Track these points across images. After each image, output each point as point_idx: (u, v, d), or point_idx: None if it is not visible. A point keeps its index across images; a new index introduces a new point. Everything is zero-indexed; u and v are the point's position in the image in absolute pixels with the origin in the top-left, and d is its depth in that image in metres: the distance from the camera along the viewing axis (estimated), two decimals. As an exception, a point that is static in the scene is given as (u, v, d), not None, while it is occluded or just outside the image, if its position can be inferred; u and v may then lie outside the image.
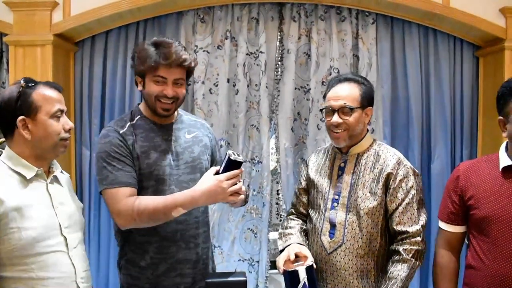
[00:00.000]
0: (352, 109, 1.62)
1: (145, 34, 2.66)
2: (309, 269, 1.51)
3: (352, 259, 1.61)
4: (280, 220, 2.89)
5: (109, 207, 1.55)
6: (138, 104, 1.72)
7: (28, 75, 1.61)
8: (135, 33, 2.66)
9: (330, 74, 2.60)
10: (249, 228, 2.69)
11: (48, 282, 1.34)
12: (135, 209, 1.49)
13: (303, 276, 1.49)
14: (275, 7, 2.68)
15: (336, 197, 1.67)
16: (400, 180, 1.61)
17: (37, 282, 1.33)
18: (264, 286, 2.64)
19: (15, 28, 2.47)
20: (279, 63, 2.72)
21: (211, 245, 1.86)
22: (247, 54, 2.65)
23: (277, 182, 2.85)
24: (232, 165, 1.49)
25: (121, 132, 1.60)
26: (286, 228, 1.78)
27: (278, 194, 2.88)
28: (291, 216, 1.84)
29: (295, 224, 1.79)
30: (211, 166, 1.73)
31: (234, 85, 2.66)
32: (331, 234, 1.65)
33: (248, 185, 2.66)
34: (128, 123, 1.63)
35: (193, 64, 1.61)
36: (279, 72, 2.71)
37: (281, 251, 1.68)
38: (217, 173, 1.51)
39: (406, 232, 1.58)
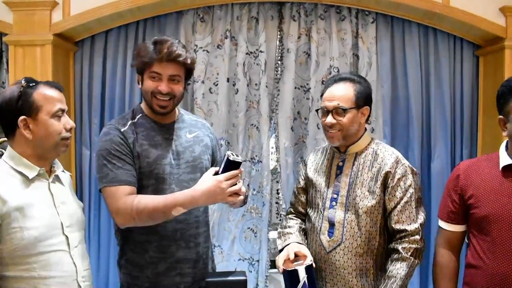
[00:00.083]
0: (345, 110, 1.63)
1: (144, 34, 2.66)
2: (308, 269, 1.51)
3: (351, 258, 1.62)
4: (280, 220, 2.89)
5: (108, 205, 1.55)
6: (140, 103, 1.72)
7: (28, 75, 1.61)
8: (135, 33, 2.67)
9: (330, 73, 2.60)
10: (249, 228, 2.69)
11: (50, 281, 1.35)
12: (134, 208, 1.49)
13: (302, 275, 1.49)
14: (275, 6, 2.68)
15: (335, 196, 1.68)
16: (399, 179, 1.61)
17: (39, 281, 1.33)
18: (264, 286, 2.64)
19: (15, 28, 2.47)
20: (279, 62, 2.72)
21: (211, 244, 1.86)
22: (247, 53, 2.65)
23: (277, 182, 2.85)
24: (231, 165, 1.49)
25: (122, 130, 1.60)
26: (285, 227, 1.78)
27: (278, 193, 2.88)
28: (290, 216, 1.85)
29: (294, 223, 1.79)
30: (211, 166, 1.73)
31: (234, 85, 2.66)
32: (330, 233, 1.66)
33: (248, 185, 2.66)
34: (130, 122, 1.64)
35: (188, 61, 1.60)
36: (279, 72, 2.71)
37: (280, 250, 1.68)
38: (216, 173, 1.51)
39: (405, 230, 1.58)
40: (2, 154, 1.45)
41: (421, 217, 1.61)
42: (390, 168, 1.62)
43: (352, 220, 1.63)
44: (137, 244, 1.64)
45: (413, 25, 2.65)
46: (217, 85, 2.66)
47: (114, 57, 2.67)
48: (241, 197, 1.55)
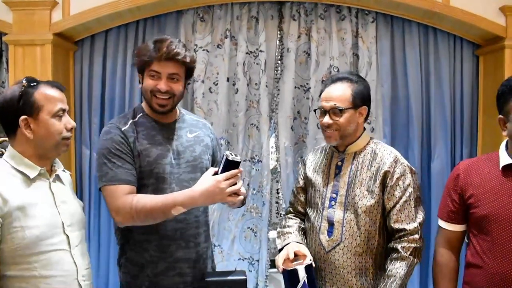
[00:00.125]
0: (342, 110, 1.63)
1: (144, 33, 2.66)
2: (308, 268, 1.52)
3: (351, 257, 1.62)
4: (280, 219, 2.89)
5: (108, 204, 1.55)
6: (141, 102, 1.72)
7: (27, 74, 1.61)
8: (135, 32, 2.66)
9: (330, 73, 2.60)
10: (249, 227, 2.69)
11: (51, 280, 1.35)
12: (133, 207, 1.49)
13: (302, 275, 1.49)
14: (275, 6, 2.68)
15: (334, 195, 1.68)
16: (397, 178, 1.61)
17: (40, 281, 1.33)
18: (264, 285, 2.64)
19: (15, 27, 2.47)
20: (279, 62, 2.71)
21: (211, 244, 1.86)
22: (246, 53, 2.65)
23: (277, 181, 2.85)
24: (230, 165, 1.49)
25: (123, 129, 1.60)
26: (285, 227, 1.79)
27: (278, 193, 2.88)
28: (289, 215, 1.85)
29: (293, 223, 1.79)
30: (212, 166, 1.73)
31: (234, 84, 2.66)
32: (329, 232, 1.66)
33: (248, 184, 2.66)
34: (130, 121, 1.64)
35: (188, 59, 1.60)
36: (279, 71, 2.71)
37: (280, 250, 1.68)
38: (216, 173, 1.51)
39: (404, 229, 1.58)
40: (2, 153, 1.45)
41: (420, 216, 1.62)
42: (389, 167, 1.62)
43: (351, 220, 1.63)
44: (137, 243, 1.64)
45: (413, 25, 2.65)
46: (217, 84, 2.66)
47: (114, 56, 2.67)
48: (241, 197, 1.55)
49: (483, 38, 2.60)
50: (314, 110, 1.77)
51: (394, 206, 1.60)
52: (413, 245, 1.56)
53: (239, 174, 1.51)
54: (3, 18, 2.50)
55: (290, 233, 1.73)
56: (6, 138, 1.84)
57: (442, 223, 1.64)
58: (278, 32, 2.70)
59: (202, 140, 1.74)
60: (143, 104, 1.70)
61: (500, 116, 1.48)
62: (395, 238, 1.60)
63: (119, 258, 1.72)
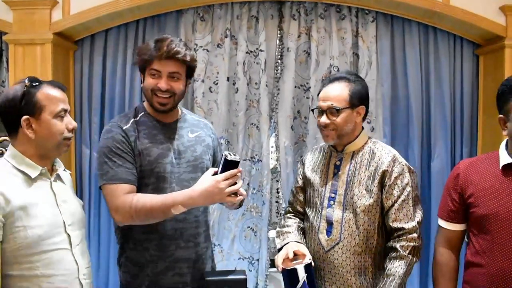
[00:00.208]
0: (338, 110, 1.63)
1: (144, 33, 2.66)
2: (307, 267, 1.52)
3: (350, 256, 1.62)
4: (280, 219, 2.89)
5: (108, 202, 1.56)
6: (143, 101, 1.73)
7: (27, 74, 1.61)
8: (135, 32, 2.67)
9: (330, 73, 2.60)
10: (249, 227, 2.69)
11: (53, 280, 1.35)
12: (133, 206, 1.50)
13: (302, 274, 1.49)
14: (275, 5, 2.68)
15: (333, 195, 1.68)
16: (396, 177, 1.61)
17: (42, 280, 1.34)
18: (264, 285, 2.64)
19: (15, 26, 2.48)
20: (279, 61, 2.72)
21: (211, 244, 1.86)
22: (247, 52, 2.65)
23: (277, 181, 2.85)
24: (229, 165, 1.48)
25: (124, 128, 1.61)
26: (284, 226, 1.79)
27: (278, 192, 2.88)
28: (288, 215, 1.85)
29: (293, 222, 1.79)
30: (212, 166, 1.74)
31: (234, 84, 2.66)
32: (328, 232, 1.66)
33: (248, 184, 2.66)
34: (132, 120, 1.65)
35: (188, 58, 1.60)
36: (279, 71, 2.71)
37: (279, 249, 1.68)
38: (215, 174, 1.51)
39: (402, 228, 1.58)
40: (2, 153, 1.46)
41: (419, 215, 1.62)
42: (387, 166, 1.62)
43: (350, 219, 1.63)
44: (137, 243, 1.64)
45: (413, 24, 2.65)
46: (217, 84, 2.66)
47: (114, 56, 2.67)
48: (240, 198, 1.54)
49: (483, 38, 2.60)
50: (312, 110, 1.77)
51: (393, 205, 1.60)
52: (412, 244, 1.56)
53: (238, 174, 1.50)
54: (3, 18, 2.50)
55: (290, 232, 1.74)
56: (7, 138, 1.84)
57: (442, 223, 1.64)
58: (278, 32, 2.70)
59: (203, 140, 1.74)
60: (145, 103, 1.70)
61: (500, 115, 1.48)
62: (394, 237, 1.60)
63: (119, 258, 1.72)
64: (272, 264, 2.61)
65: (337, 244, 1.63)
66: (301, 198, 1.82)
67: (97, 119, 2.67)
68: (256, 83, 2.67)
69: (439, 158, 2.63)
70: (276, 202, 2.90)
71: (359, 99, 1.67)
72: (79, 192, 2.65)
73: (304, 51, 2.68)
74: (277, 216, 2.92)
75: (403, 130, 2.67)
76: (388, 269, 1.56)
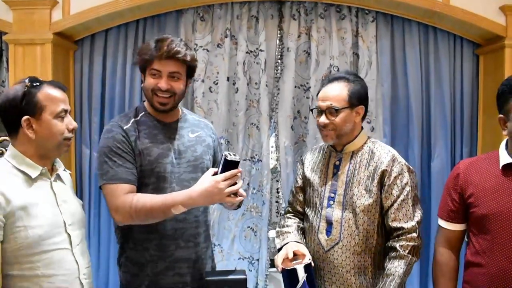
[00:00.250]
0: (337, 110, 1.63)
1: (144, 33, 2.66)
2: (307, 267, 1.52)
3: (349, 256, 1.62)
4: (279, 219, 2.89)
5: (108, 202, 1.56)
6: (144, 101, 1.73)
7: (27, 73, 1.61)
8: (135, 32, 2.67)
9: (330, 72, 2.60)
10: (249, 227, 2.69)
11: (54, 279, 1.36)
12: (132, 206, 1.50)
13: (302, 274, 1.49)
14: (275, 5, 2.68)
15: (332, 195, 1.68)
16: (395, 177, 1.61)
17: (43, 280, 1.34)
18: (264, 284, 2.64)
19: (15, 26, 2.48)
20: (279, 61, 2.71)
21: (211, 244, 1.86)
22: (247, 52, 2.65)
23: (277, 181, 2.85)
24: (229, 165, 1.49)
25: (124, 128, 1.61)
26: (283, 226, 1.79)
27: (278, 192, 2.88)
28: (288, 215, 1.85)
29: (292, 222, 1.79)
30: (213, 166, 1.74)
31: (234, 84, 2.66)
32: (328, 232, 1.66)
33: (248, 183, 2.66)
34: (132, 119, 1.65)
35: (188, 58, 1.60)
36: (279, 70, 2.71)
37: (279, 249, 1.68)
38: (215, 174, 1.51)
39: (402, 228, 1.58)
40: (2, 153, 1.46)
41: (418, 215, 1.62)
42: (387, 166, 1.62)
43: (349, 219, 1.63)
44: (137, 243, 1.64)
45: (413, 24, 2.65)
46: (217, 84, 2.66)
47: (114, 56, 2.67)
48: (240, 198, 1.54)
49: (483, 38, 2.60)
50: (311, 110, 1.77)
51: (392, 204, 1.60)
52: (411, 243, 1.57)
53: (238, 174, 1.50)
54: (3, 17, 2.50)
55: (289, 232, 1.74)
56: (7, 138, 1.84)
57: (442, 223, 1.64)
58: (278, 32, 2.70)
59: (203, 140, 1.74)
60: (145, 103, 1.71)
61: (500, 115, 1.48)
62: (393, 236, 1.60)
63: (119, 257, 1.72)
64: (272, 264, 2.61)
65: (337, 244, 1.63)
66: (301, 198, 1.82)
67: (97, 119, 2.67)
68: (256, 83, 2.67)
69: (439, 158, 2.63)
70: (276, 202, 2.90)
71: (358, 99, 1.67)
72: (79, 192, 2.65)
73: (304, 51, 2.68)
74: (277, 216, 2.92)
75: (403, 130, 2.67)
76: (387, 269, 1.56)
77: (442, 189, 1.69)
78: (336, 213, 1.66)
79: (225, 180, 1.47)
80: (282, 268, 1.55)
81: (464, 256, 1.59)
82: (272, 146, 2.81)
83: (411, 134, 2.64)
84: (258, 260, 2.67)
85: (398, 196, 1.60)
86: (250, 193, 2.66)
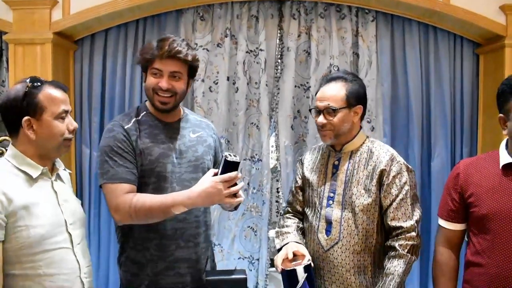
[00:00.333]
0: (335, 110, 1.64)
1: (144, 33, 2.66)
2: (307, 268, 1.52)
3: (349, 255, 1.62)
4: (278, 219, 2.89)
5: (108, 201, 1.57)
6: (146, 100, 1.73)
7: (28, 73, 1.61)
8: (135, 32, 2.66)
9: (330, 72, 2.60)
10: (249, 226, 2.69)
11: (55, 278, 1.36)
12: (132, 206, 1.50)
13: (301, 275, 1.49)
14: (275, 4, 2.67)
15: (332, 194, 1.68)
16: (394, 176, 1.61)
17: (44, 279, 1.34)
18: (264, 284, 2.64)
19: (15, 26, 2.47)
20: (279, 61, 2.71)
21: (211, 244, 1.86)
22: (247, 52, 2.65)
23: (277, 180, 2.85)
24: (229, 166, 1.49)
25: (126, 127, 1.61)
26: (283, 227, 1.79)
27: (278, 192, 2.88)
28: (287, 215, 1.85)
29: (292, 222, 1.79)
30: (213, 166, 1.74)
31: (234, 83, 2.66)
32: (328, 231, 1.66)
33: (248, 183, 2.66)
34: (134, 119, 1.65)
35: (189, 57, 1.60)
36: (279, 70, 2.71)
37: (279, 250, 1.69)
38: (216, 175, 1.51)
39: (401, 227, 1.58)
40: (2, 152, 1.46)
41: (417, 214, 1.62)
42: (385, 166, 1.62)
43: (349, 218, 1.63)
44: (137, 242, 1.64)
45: (413, 24, 2.64)
46: (217, 83, 2.66)
47: (114, 55, 2.67)
48: (240, 199, 1.55)
49: (483, 37, 2.60)
50: (310, 110, 1.77)
51: (391, 204, 1.60)
52: (410, 242, 1.57)
53: (238, 175, 1.51)
54: (3, 17, 2.50)
55: (289, 233, 1.74)
56: (7, 137, 1.85)
57: (442, 222, 1.64)
58: (278, 31, 2.70)
59: (204, 140, 1.75)
60: (147, 103, 1.71)
61: (500, 114, 1.48)
62: (392, 236, 1.60)
63: (119, 257, 1.72)
64: (272, 263, 2.61)
65: (337, 243, 1.64)
66: (301, 198, 1.82)
67: (97, 119, 2.67)
68: (256, 83, 2.67)
69: (439, 158, 2.63)
70: (276, 201, 2.90)
71: (356, 98, 1.67)
72: (79, 192, 2.65)
73: (304, 51, 2.68)
74: (277, 216, 2.92)
75: (403, 129, 2.67)
76: (387, 268, 1.56)
77: (442, 188, 1.69)
78: (335, 212, 1.66)
79: (224, 181, 1.48)
80: (282, 268, 1.55)
81: (464, 256, 1.59)
82: (272, 146, 2.81)
83: (411, 133, 2.64)
84: (258, 259, 2.67)
85: (397, 195, 1.60)
86: (250, 193, 2.67)
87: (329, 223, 1.66)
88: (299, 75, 2.68)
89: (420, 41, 2.65)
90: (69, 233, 1.42)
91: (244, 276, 1.61)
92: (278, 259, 1.60)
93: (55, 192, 1.43)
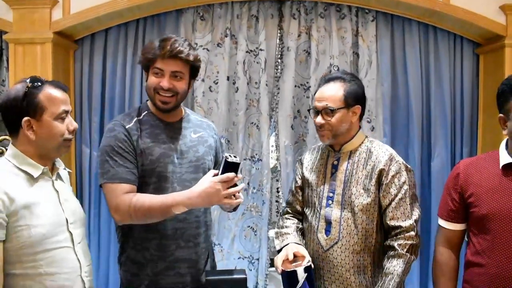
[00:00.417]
0: (333, 110, 1.64)
1: (144, 32, 2.66)
2: (307, 269, 1.52)
3: (349, 255, 1.62)
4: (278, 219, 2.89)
5: (108, 201, 1.57)
6: (147, 100, 1.73)
7: (28, 73, 1.61)
8: (135, 31, 2.66)
9: (330, 72, 2.60)
10: (249, 226, 2.69)
11: (56, 278, 1.36)
12: (132, 206, 1.50)
13: (302, 276, 1.49)
14: (275, 4, 2.67)
15: (331, 194, 1.68)
16: (393, 176, 1.61)
17: (45, 278, 1.34)
18: (264, 284, 2.64)
19: (15, 26, 2.47)
20: (279, 60, 2.71)
21: (211, 244, 1.86)
22: (247, 51, 2.65)
23: (277, 180, 2.85)
24: (230, 167, 1.49)
25: (127, 127, 1.61)
26: (282, 227, 1.79)
27: (278, 191, 2.88)
28: (286, 216, 1.85)
29: (291, 223, 1.80)
30: (214, 167, 1.74)
31: (234, 83, 2.66)
32: (327, 231, 1.66)
33: (248, 183, 2.66)
34: (135, 119, 1.65)
35: (191, 57, 1.60)
36: (279, 70, 2.71)
37: (279, 250, 1.69)
38: (216, 175, 1.51)
39: (400, 227, 1.58)
40: (2, 152, 1.46)
41: (416, 213, 1.62)
42: (384, 165, 1.62)
43: (348, 218, 1.63)
44: (138, 242, 1.64)
45: (413, 23, 2.65)
46: (217, 83, 2.66)
47: (114, 55, 2.67)
48: (239, 200, 1.55)
49: (483, 37, 2.60)
50: (308, 110, 1.77)
51: (390, 203, 1.61)
52: (409, 242, 1.57)
53: (239, 176, 1.51)
54: (3, 17, 2.50)
55: (289, 233, 1.74)
56: (7, 137, 1.85)
57: (442, 222, 1.64)
58: (278, 31, 2.70)
59: (206, 140, 1.75)
60: (148, 103, 1.71)
61: (500, 114, 1.48)
62: (391, 235, 1.61)
63: (119, 256, 1.72)
64: (272, 263, 2.61)
65: (336, 243, 1.64)
66: (301, 198, 1.82)
67: (97, 119, 2.67)
68: (256, 83, 2.67)
69: (439, 158, 2.63)
70: (276, 201, 2.90)
71: (355, 99, 1.67)
72: (79, 192, 2.65)
73: (304, 51, 2.68)
74: (277, 216, 2.92)
75: (403, 129, 2.67)
76: (386, 268, 1.56)
77: (442, 188, 1.69)
78: (335, 212, 1.66)
79: (223, 182, 1.48)
80: (282, 270, 1.55)
81: (464, 256, 1.59)
82: (272, 146, 2.81)
83: (411, 133, 2.64)
84: (258, 259, 2.67)
85: (396, 195, 1.60)
86: (250, 193, 2.67)
87: (328, 223, 1.66)
88: (299, 75, 2.68)
89: (420, 41, 2.65)
90: (70, 232, 1.42)
91: (244, 276, 1.61)
92: (278, 260, 1.61)
93: (56, 191, 1.43)
